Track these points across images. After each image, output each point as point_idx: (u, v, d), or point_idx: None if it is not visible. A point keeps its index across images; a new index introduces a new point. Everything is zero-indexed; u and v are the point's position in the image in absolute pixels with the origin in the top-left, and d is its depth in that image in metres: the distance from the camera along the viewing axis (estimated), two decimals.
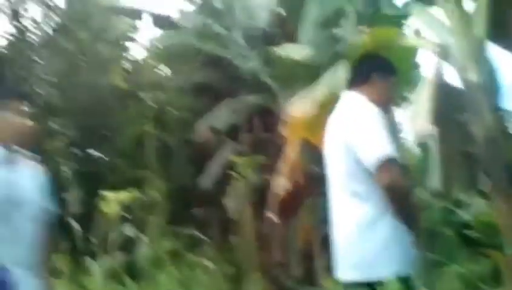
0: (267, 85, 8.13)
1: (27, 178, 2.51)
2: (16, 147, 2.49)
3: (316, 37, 7.69)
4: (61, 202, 8.18)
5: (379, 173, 2.46)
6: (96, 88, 8.46)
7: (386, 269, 2.50)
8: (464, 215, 7.89)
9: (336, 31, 8.36)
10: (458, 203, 8.31)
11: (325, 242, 7.92)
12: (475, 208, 6.61)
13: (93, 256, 6.59)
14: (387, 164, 2.46)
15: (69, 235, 6.79)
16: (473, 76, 2.56)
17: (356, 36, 8.22)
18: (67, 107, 8.45)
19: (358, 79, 2.78)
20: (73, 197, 8.09)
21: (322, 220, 7.94)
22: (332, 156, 2.71)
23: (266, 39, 9.08)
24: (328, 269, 7.74)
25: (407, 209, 2.55)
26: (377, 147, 2.49)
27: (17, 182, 2.43)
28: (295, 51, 7.09)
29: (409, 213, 2.56)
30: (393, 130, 2.64)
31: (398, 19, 7.72)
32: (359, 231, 2.56)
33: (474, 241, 7.55)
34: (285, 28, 9.13)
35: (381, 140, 2.50)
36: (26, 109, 2.48)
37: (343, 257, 2.65)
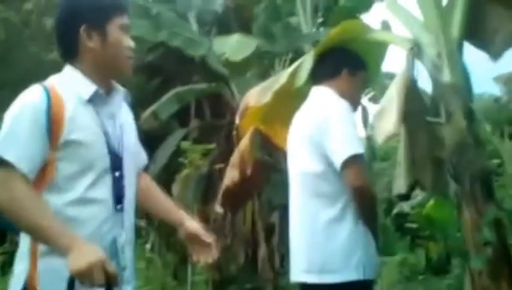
0: (219, 71, 7.93)
1: None
2: None
3: (270, 26, 7.58)
4: None
5: (348, 173, 2.33)
6: (38, 62, 7.99)
7: (348, 273, 2.37)
8: (404, 207, 8.05)
9: (292, 20, 8.29)
10: (399, 196, 8.45)
11: (270, 231, 7.92)
12: (415, 201, 6.71)
13: None
14: (357, 163, 2.33)
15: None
16: (447, 76, 2.44)
17: (312, 26, 8.25)
18: (5, 79, 7.96)
19: (326, 73, 2.63)
20: None
21: (268, 209, 7.98)
22: (298, 153, 2.54)
23: (220, 25, 8.87)
24: (271, 257, 7.72)
25: (373, 212, 2.46)
26: (347, 145, 2.35)
27: None
28: (240, 48, 6.89)
29: (374, 216, 2.45)
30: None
31: (356, 11, 7.69)
32: (321, 233, 2.41)
33: (413, 232, 7.70)
34: (240, 14, 8.96)
35: (351, 138, 2.37)
36: None
37: (303, 258, 2.49)
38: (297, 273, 2.53)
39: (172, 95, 7.92)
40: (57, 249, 1.63)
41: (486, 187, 2.37)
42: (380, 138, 2.50)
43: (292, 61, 8.33)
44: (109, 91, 1.90)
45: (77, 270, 1.56)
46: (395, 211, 7.61)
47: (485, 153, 2.48)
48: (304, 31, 8.17)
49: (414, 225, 7.69)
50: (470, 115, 2.42)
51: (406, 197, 2.75)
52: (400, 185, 2.65)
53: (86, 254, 1.58)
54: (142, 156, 2.09)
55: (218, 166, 6.93)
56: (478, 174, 2.35)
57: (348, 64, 2.60)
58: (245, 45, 7.05)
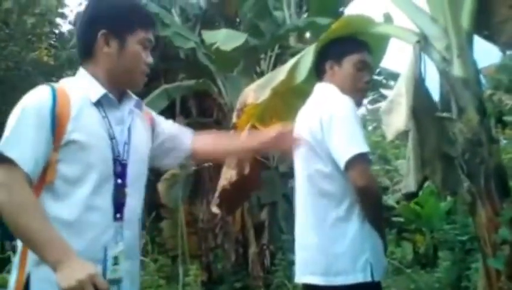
0: (205, 67, 7.81)
1: None
2: None
3: (257, 22, 7.47)
4: None
5: (352, 173, 2.24)
6: (19, 62, 7.79)
7: (355, 275, 2.28)
8: (389, 200, 8.02)
9: (277, 14, 8.19)
10: (384, 189, 8.43)
11: (260, 229, 7.84)
12: (399, 194, 6.68)
13: None
14: (362, 162, 2.24)
15: None
16: (457, 70, 2.36)
17: (297, 21, 8.16)
18: None
19: (317, 69, 2.56)
20: None
21: (258, 207, 7.89)
22: (302, 152, 2.44)
23: (204, 21, 8.74)
24: (261, 255, 7.65)
25: (379, 211, 2.38)
26: (351, 144, 2.26)
27: None
28: (229, 40, 6.77)
29: (380, 215, 2.38)
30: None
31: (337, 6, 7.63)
32: (327, 234, 2.33)
33: (398, 225, 7.67)
34: (225, 9, 8.84)
35: (355, 136, 2.27)
36: None
37: (308, 259, 2.41)
38: (303, 274, 2.45)
39: (161, 92, 7.79)
40: (47, 261, 1.55)
41: (502, 185, 2.29)
42: (389, 134, 2.41)
43: (278, 56, 8.31)
44: (121, 98, 1.86)
45: (67, 288, 1.49)
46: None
47: (499, 149, 2.39)
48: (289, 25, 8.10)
49: (400, 219, 7.67)
50: (482, 109, 2.34)
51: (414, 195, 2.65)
52: (409, 183, 2.56)
53: (76, 270, 1.50)
54: (184, 147, 2.11)
55: (207, 164, 6.84)
56: (493, 171, 2.27)
57: (330, 55, 2.51)
58: (234, 37, 6.96)
